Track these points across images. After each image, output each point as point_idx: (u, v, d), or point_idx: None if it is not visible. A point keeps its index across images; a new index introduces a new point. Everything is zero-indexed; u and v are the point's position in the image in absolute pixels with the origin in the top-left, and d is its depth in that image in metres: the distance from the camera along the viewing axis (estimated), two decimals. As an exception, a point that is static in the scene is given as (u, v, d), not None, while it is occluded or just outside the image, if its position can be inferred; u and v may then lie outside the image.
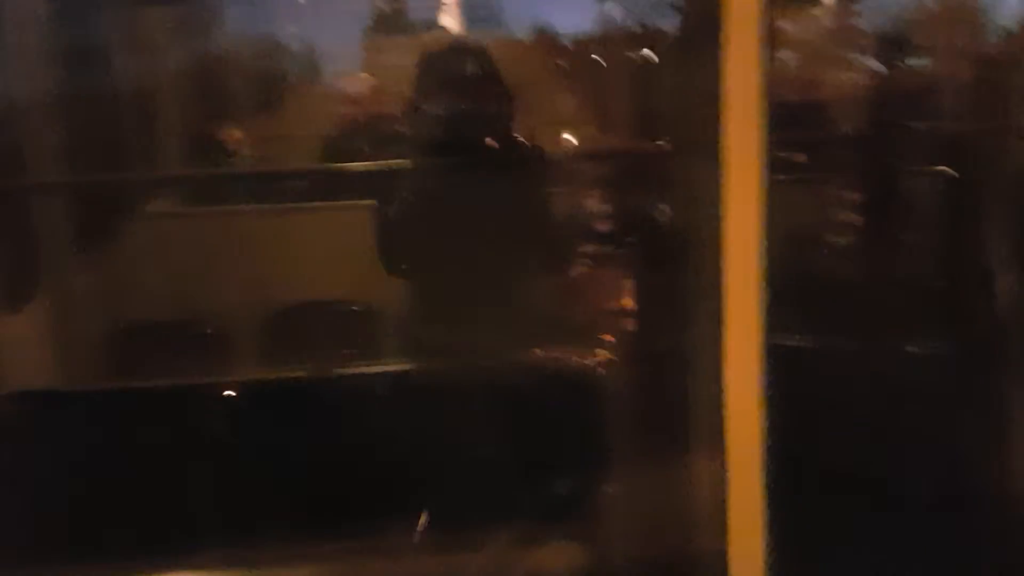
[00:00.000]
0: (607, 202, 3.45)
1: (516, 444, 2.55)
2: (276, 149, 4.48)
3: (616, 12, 4.21)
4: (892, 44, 3.94)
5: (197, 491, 2.63)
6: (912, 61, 3.98)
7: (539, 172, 3.08)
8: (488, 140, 2.86)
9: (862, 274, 3.38)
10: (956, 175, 3.37)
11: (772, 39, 1.52)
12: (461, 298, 2.75)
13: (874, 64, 3.93)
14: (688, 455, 1.58)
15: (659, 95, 3.54)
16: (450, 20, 4.79)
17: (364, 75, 4.33)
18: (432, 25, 4.92)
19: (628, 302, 3.16)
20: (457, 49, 3.13)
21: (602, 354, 2.93)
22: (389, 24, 5.18)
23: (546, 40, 4.87)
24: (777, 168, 1.48)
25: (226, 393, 2.85)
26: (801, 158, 3.28)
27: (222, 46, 4.87)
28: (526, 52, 4.59)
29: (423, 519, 2.34)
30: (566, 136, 3.79)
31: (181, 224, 4.03)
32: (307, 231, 3.68)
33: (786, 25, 3.96)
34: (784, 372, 1.45)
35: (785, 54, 3.93)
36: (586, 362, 2.89)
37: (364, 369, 3.03)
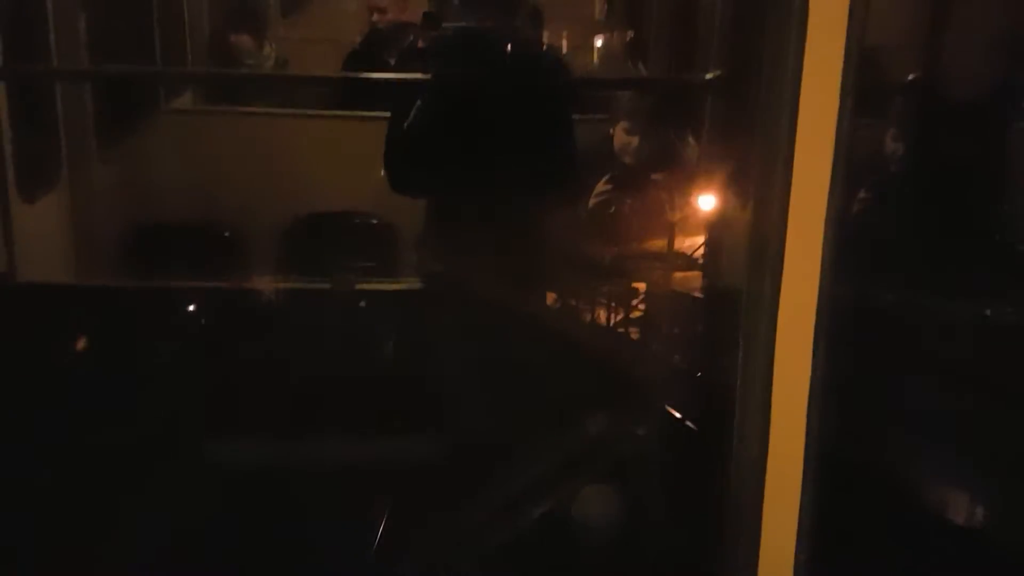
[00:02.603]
0: (639, 132, 3.29)
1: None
2: (300, 52, 4.39)
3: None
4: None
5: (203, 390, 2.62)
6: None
7: (563, 94, 2.98)
8: (508, 50, 2.75)
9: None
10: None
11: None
12: (470, 224, 2.68)
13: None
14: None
15: (712, 14, 3.34)
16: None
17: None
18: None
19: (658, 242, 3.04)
20: None
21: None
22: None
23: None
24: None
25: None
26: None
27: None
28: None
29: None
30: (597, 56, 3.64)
31: (201, 123, 3.98)
32: (327, 140, 3.62)
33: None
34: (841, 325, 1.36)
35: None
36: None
37: (377, 286, 3.00)
